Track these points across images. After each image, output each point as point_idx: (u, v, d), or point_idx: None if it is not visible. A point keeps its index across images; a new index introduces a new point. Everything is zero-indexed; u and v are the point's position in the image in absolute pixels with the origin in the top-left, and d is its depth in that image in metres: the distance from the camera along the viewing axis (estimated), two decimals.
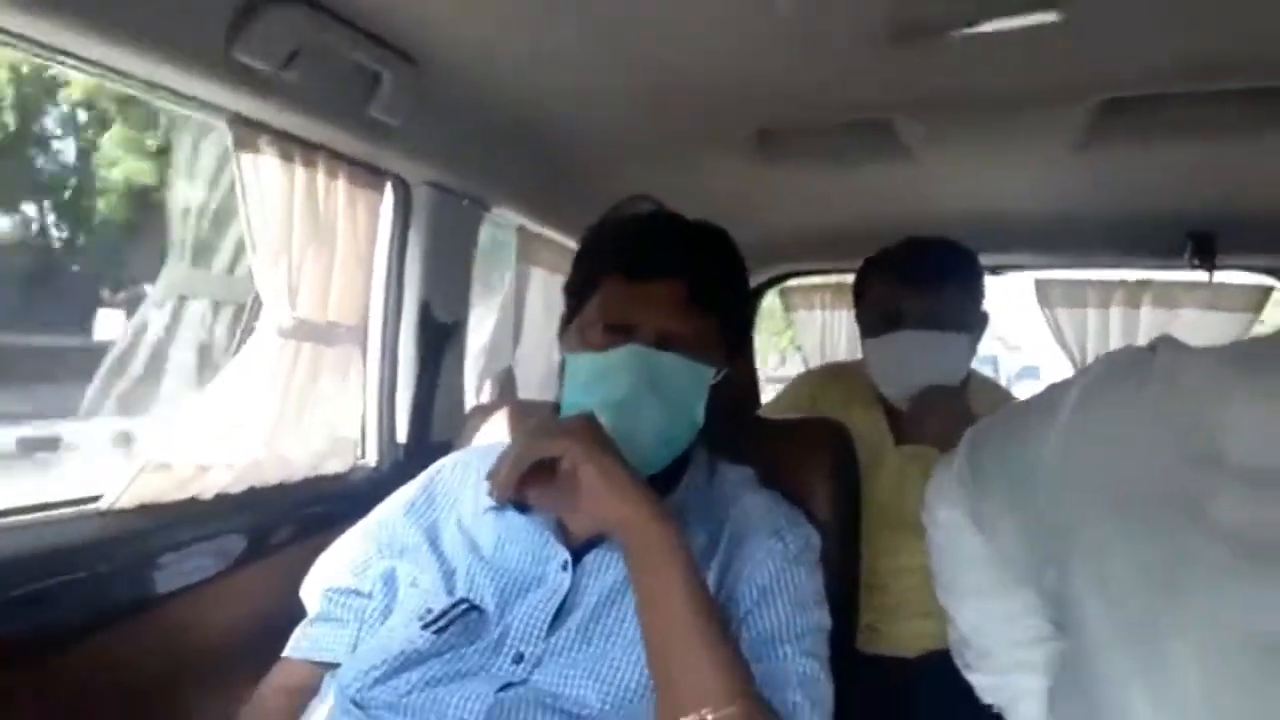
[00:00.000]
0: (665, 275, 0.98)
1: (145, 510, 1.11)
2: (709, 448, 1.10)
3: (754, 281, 2.42)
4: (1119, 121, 1.47)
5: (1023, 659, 0.90)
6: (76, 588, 1.01)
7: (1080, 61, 1.26)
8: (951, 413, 1.40)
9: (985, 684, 0.95)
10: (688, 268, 0.99)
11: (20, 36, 0.88)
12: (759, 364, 2.91)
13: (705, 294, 0.99)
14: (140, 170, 7.03)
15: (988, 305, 1.58)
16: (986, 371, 1.87)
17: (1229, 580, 0.55)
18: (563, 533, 0.96)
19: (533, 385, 1.88)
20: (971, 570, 0.94)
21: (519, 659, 0.88)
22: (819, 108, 1.50)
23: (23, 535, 0.99)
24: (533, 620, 0.91)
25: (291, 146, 1.20)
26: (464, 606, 0.92)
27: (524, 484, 0.85)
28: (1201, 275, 2.17)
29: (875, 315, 1.54)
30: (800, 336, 2.96)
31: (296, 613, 1.05)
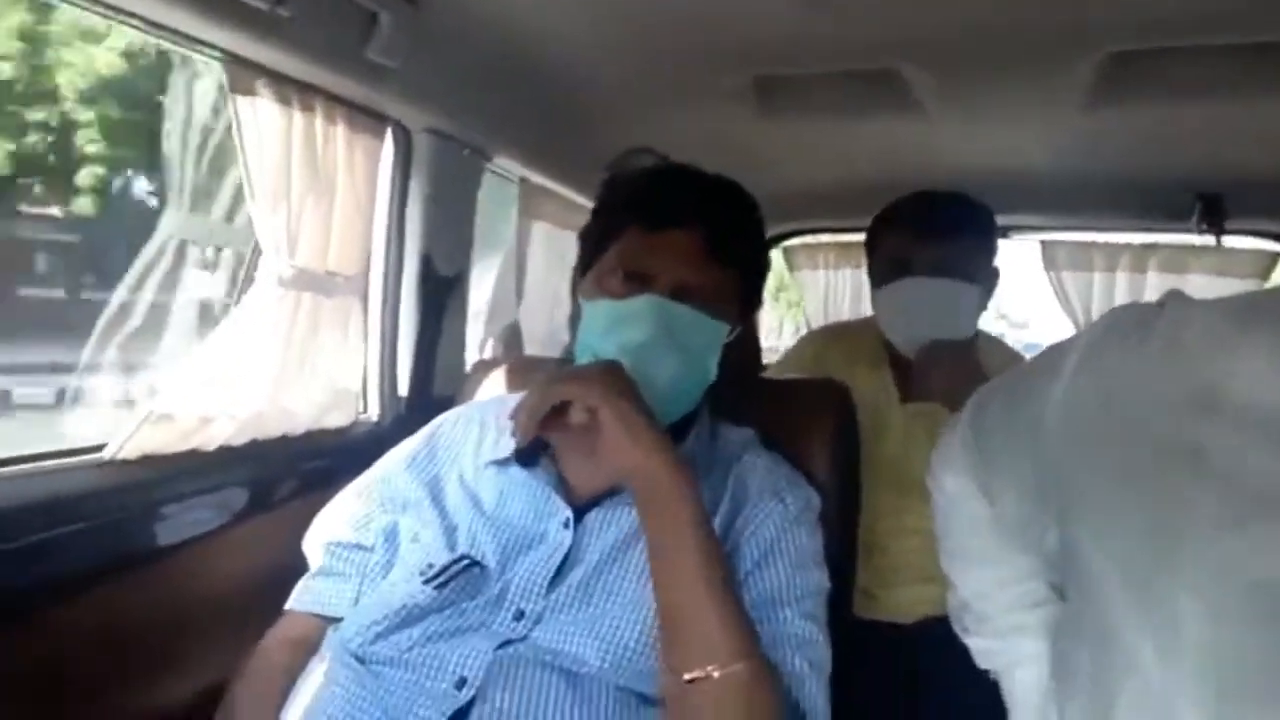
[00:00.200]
0: (684, 224, 0.98)
1: (148, 461, 1.11)
2: (711, 408, 1.09)
3: None
4: (1128, 76, 1.45)
5: (1021, 623, 0.91)
6: (78, 538, 1.01)
7: (1088, 10, 1.24)
8: (960, 367, 1.39)
9: (983, 648, 0.95)
10: (707, 218, 0.98)
11: None
12: (776, 337, 2.91)
13: (723, 245, 0.98)
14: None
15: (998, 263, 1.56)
16: None
17: (1231, 528, 0.55)
18: (565, 489, 0.96)
19: (535, 340, 1.87)
20: (976, 536, 0.94)
21: (519, 615, 0.88)
22: (823, 53, 1.48)
23: (25, 485, 0.99)
24: (533, 577, 0.91)
25: (288, 89, 1.18)
26: (465, 562, 0.92)
27: (545, 426, 0.86)
28: (1209, 239, 2.15)
29: (886, 265, 1.52)
30: (803, 296, 2.94)
31: (299, 566, 1.05)
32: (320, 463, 1.34)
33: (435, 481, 1.03)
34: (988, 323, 1.59)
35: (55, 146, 7.12)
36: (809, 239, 2.84)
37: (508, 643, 0.86)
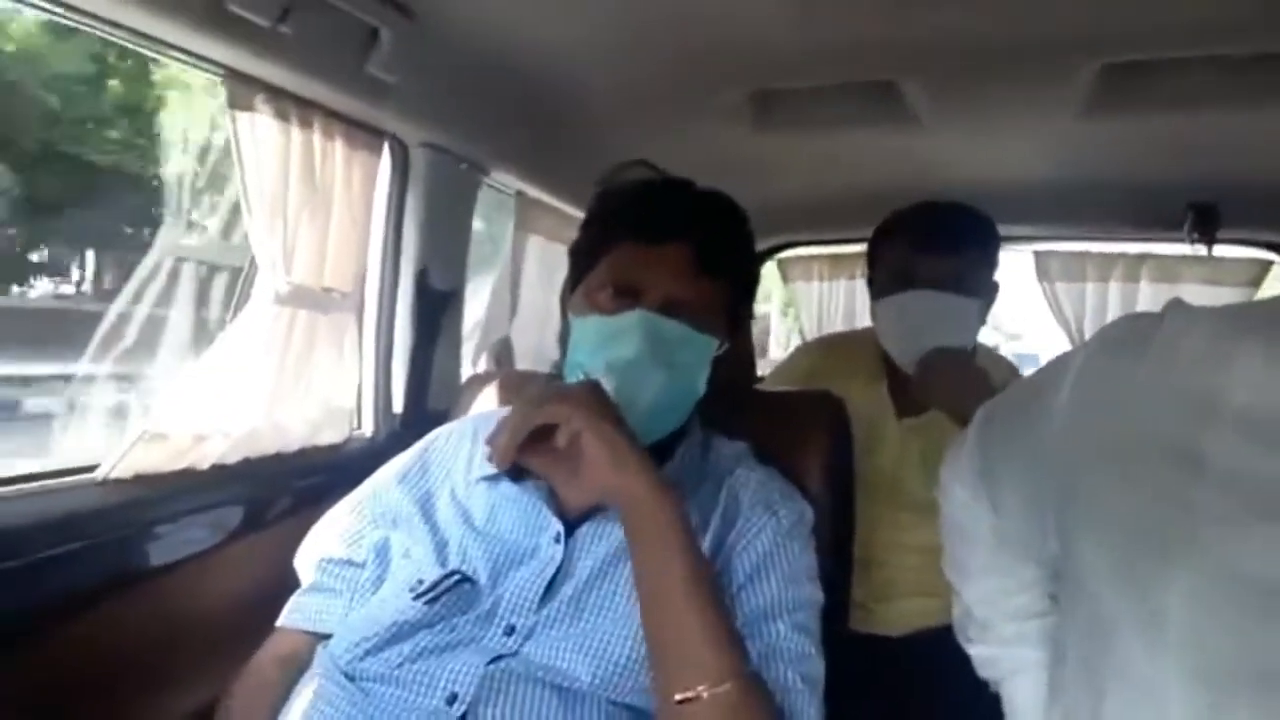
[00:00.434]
0: (675, 239, 0.98)
1: (142, 480, 1.10)
2: (703, 421, 1.09)
3: None
4: (1121, 88, 1.46)
5: (1022, 632, 0.92)
6: (72, 558, 1.01)
7: (1083, 22, 1.25)
8: (961, 374, 1.38)
9: (985, 656, 0.96)
10: (697, 232, 0.99)
11: None
12: (783, 350, 2.90)
13: (713, 259, 0.99)
14: None
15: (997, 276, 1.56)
16: None
17: (1225, 531, 0.55)
18: (556, 504, 0.96)
19: (529, 355, 1.87)
20: (982, 549, 0.95)
21: (510, 631, 0.88)
22: (818, 66, 1.48)
23: (19, 505, 0.99)
24: (524, 592, 0.90)
25: (287, 104, 1.19)
26: (455, 578, 0.92)
27: (525, 450, 0.86)
28: (1201, 249, 2.16)
29: (887, 277, 1.51)
30: (797, 308, 2.95)
31: (291, 583, 1.05)
32: (314, 480, 1.33)
33: (427, 497, 1.03)
34: (981, 334, 1.59)
35: None
36: (803, 251, 2.84)
37: (499, 658, 0.86)
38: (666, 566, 0.82)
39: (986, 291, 1.52)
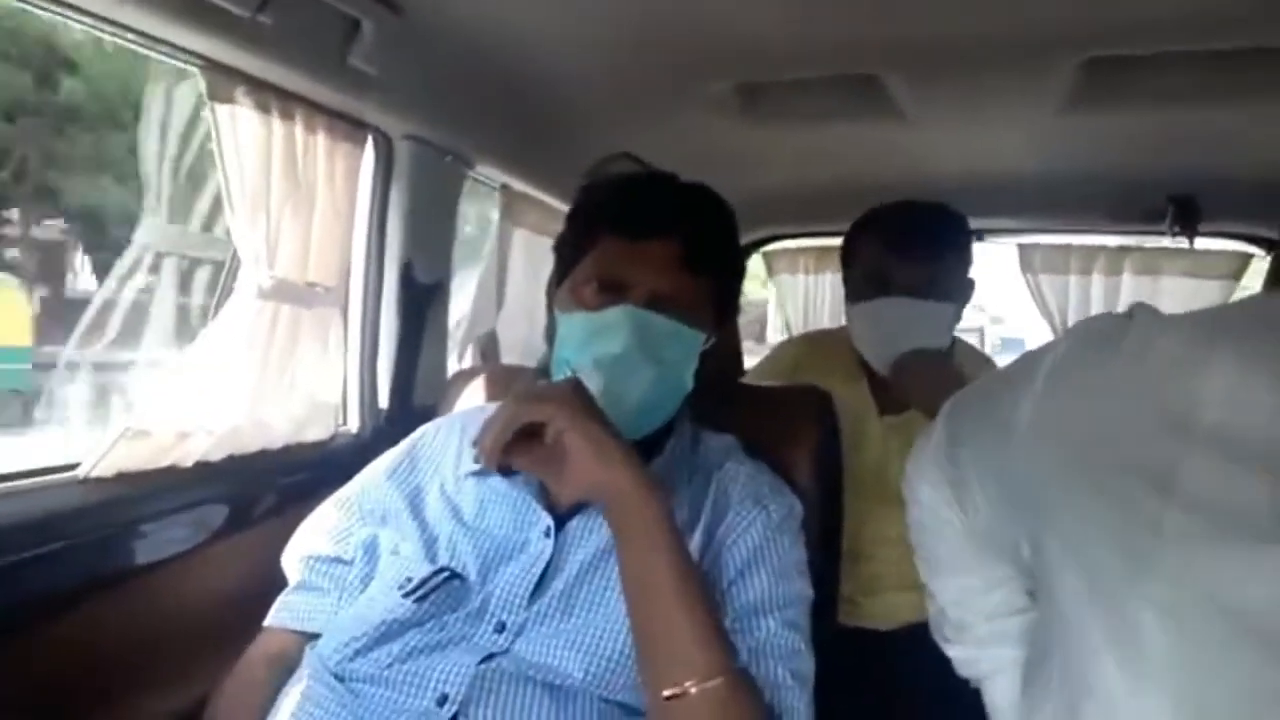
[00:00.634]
0: (661, 234, 0.97)
1: (124, 479, 1.09)
2: (692, 415, 1.09)
3: None
4: (1102, 82, 1.46)
5: (999, 631, 0.91)
6: (53, 558, 0.99)
7: (1065, 17, 1.25)
8: (937, 375, 1.39)
9: (963, 657, 0.96)
10: (684, 228, 0.98)
11: None
12: (782, 335, 2.90)
13: (699, 255, 0.98)
14: None
15: (974, 273, 1.57)
16: (973, 342, 1.86)
17: (1196, 549, 0.55)
18: (546, 498, 0.96)
19: (515, 350, 1.86)
20: (950, 545, 0.94)
21: (501, 628, 0.88)
22: (803, 59, 1.48)
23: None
24: (514, 588, 0.90)
25: (268, 96, 1.17)
26: (444, 575, 0.91)
27: (510, 450, 0.85)
28: (1182, 242, 2.18)
29: (862, 280, 1.52)
30: (782, 301, 2.95)
31: (278, 582, 1.04)
32: (300, 477, 1.32)
33: (416, 493, 1.02)
34: (970, 316, 1.59)
35: None
36: (789, 244, 2.84)
37: (490, 656, 0.85)
38: (652, 562, 0.82)
39: (961, 293, 1.52)
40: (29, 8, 0.96)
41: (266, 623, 1.01)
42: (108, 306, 1.15)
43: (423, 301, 1.55)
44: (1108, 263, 2.48)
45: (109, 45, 1.06)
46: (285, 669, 0.95)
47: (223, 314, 1.19)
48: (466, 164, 1.60)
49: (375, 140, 1.43)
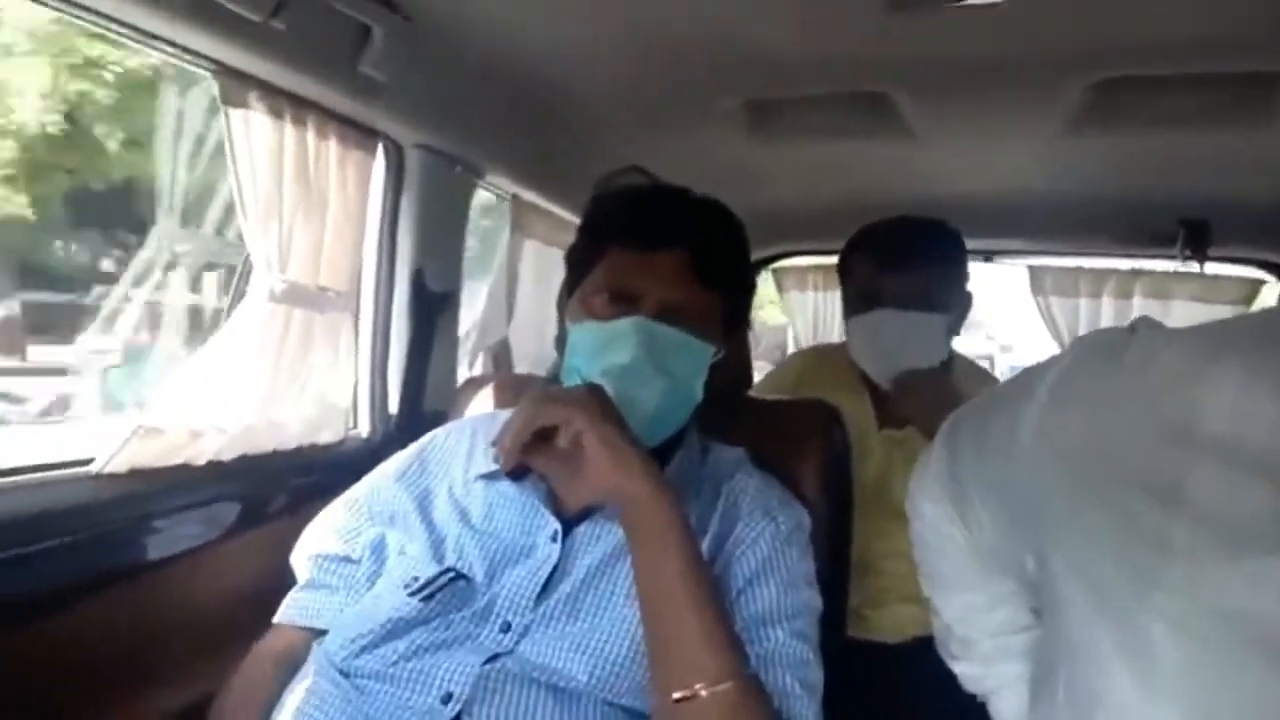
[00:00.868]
0: (670, 245, 0.98)
1: (137, 475, 1.09)
2: (700, 428, 1.09)
3: None
4: (1112, 104, 1.47)
5: (1004, 647, 0.91)
6: (67, 551, 1.00)
7: (1076, 40, 1.26)
8: (936, 394, 1.40)
9: (969, 673, 0.96)
10: (692, 239, 0.99)
11: None
12: None
13: (708, 266, 0.99)
14: None
15: (980, 291, 1.58)
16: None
17: (1205, 561, 0.55)
18: (554, 503, 0.96)
19: (525, 359, 1.86)
20: (954, 562, 0.94)
21: (506, 628, 0.88)
22: (813, 77, 1.49)
23: (13, 497, 0.98)
24: (521, 590, 0.90)
25: (280, 102, 1.18)
26: (450, 575, 0.91)
27: (528, 451, 0.85)
28: (1193, 266, 2.17)
29: (855, 295, 1.55)
30: (792, 318, 2.95)
31: (287, 580, 1.05)
32: (310, 478, 1.32)
33: (424, 495, 1.02)
34: (980, 344, 1.60)
35: None
36: (798, 261, 2.85)
37: (495, 657, 0.85)
38: (666, 566, 0.82)
39: (956, 305, 1.54)
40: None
41: (275, 619, 1.01)
42: None
43: (433, 308, 1.55)
44: (1118, 286, 2.48)
45: None
46: (293, 665, 0.95)
47: (235, 316, 1.20)
48: (476, 174, 1.61)
49: (386, 148, 1.44)
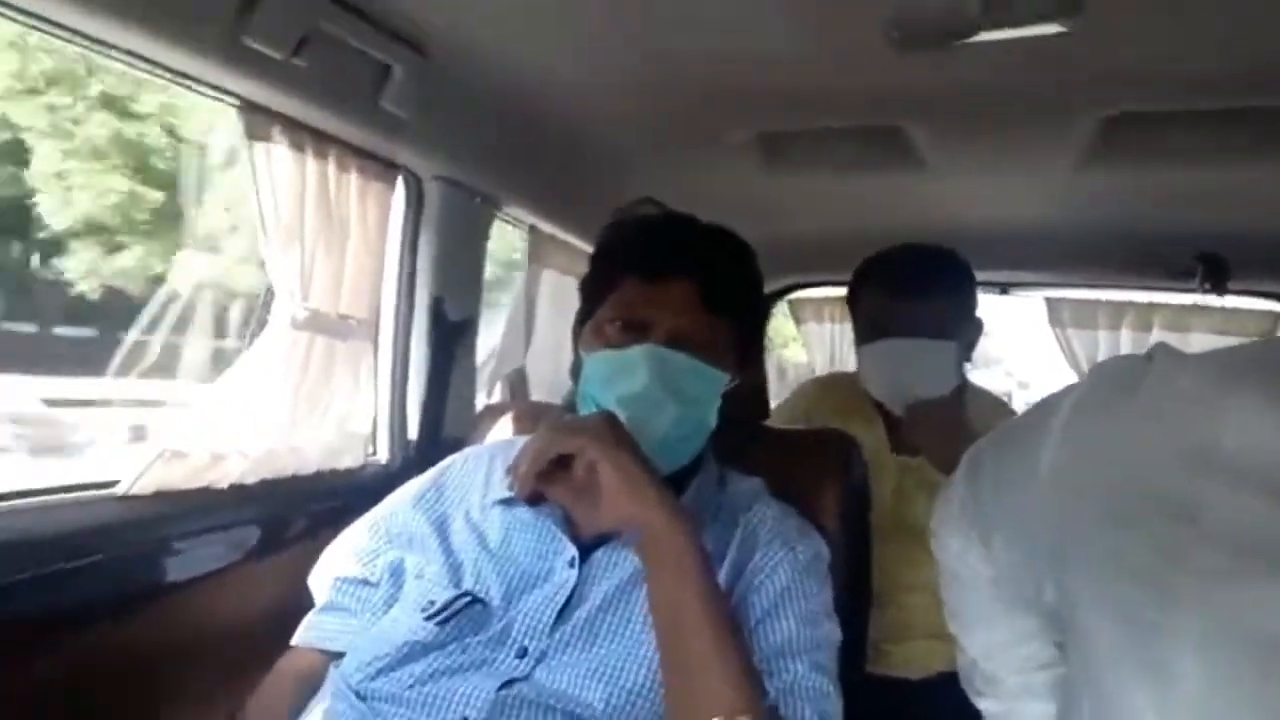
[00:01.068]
0: (679, 275, 0.98)
1: (161, 497, 1.11)
2: (717, 457, 1.09)
3: None
4: (1125, 138, 1.47)
5: (1029, 685, 0.90)
6: (92, 571, 1.01)
7: (1088, 74, 1.27)
8: (946, 424, 1.41)
9: (995, 710, 0.95)
10: (702, 269, 0.99)
11: (29, 14, 0.89)
12: None
13: (718, 296, 0.99)
14: None
15: (998, 328, 1.58)
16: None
17: (1226, 585, 0.55)
18: (571, 528, 0.96)
19: (543, 387, 1.87)
20: (978, 597, 0.93)
21: (522, 653, 0.88)
22: (826, 110, 1.50)
23: (41, 517, 1.00)
24: (538, 615, 0.90)
25: (303, 136, 1.21)
26: (467, 599, 0.92)
27: (543, 479, 0.86)
28: (1213, 299, 2.16)
29: (864, 324, 1.56)
30: (810, 349, 2.95)
31: (306, 604, 1.05)
32: (330, 503, 1.33)
33: (442, 519, 1.03)
34: (999, 381, 1.60)
35: None
36: (814, 293, 2.86)
37: (511, 682, 0.85)
38: (683, 595, 0.82)
39: (966, 331, 1.54)
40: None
41: (293, 641, 1.02)
42: None
43: (452, 337, 1.57)
44: (1137, 318, 2.46)
45: None
46: (311, 687, 0.96)
47: (258, 343, 1.22)
48: (495, 205, 1.63)
49: (406, 180, 1.47)
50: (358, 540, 1.05)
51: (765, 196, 1.99)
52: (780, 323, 2.96)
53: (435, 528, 1.01)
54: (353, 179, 1.31)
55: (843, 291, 2.78)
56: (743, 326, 1.05)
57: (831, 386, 1.84)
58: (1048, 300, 2.55)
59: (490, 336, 1.76)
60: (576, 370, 1.05)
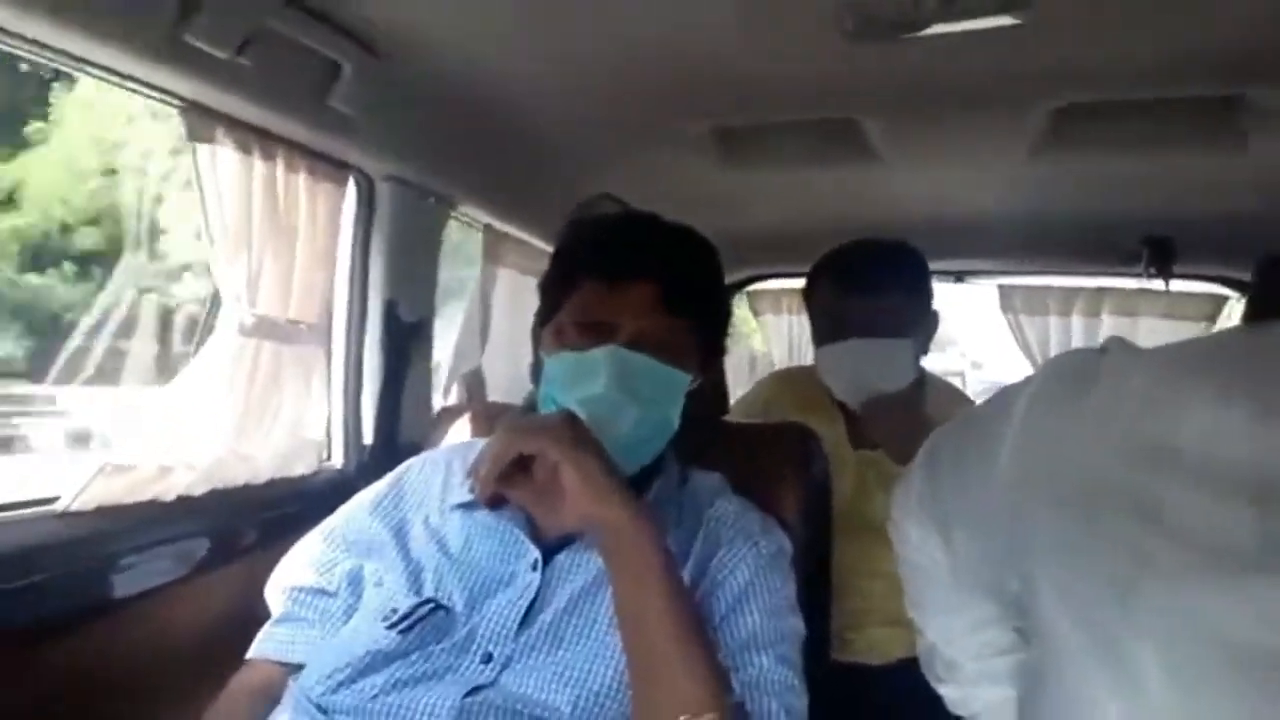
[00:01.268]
0: (641, 277, 0.97)
1: (104, 512, 1.08)
2: (678, 454, 1.08)
3: None
4: (1075, 127, 1.50)
5: (989, 670, 0.91)
6: (32, 591, 0.98)
7: (1038, 67, 1.29)
8: (905, 419, 1.43)
9: (954, 696, 0.95)
10: (663, 270, 0.98)
11: None
12: None
13: (680, 298, 0.98)
14: None
15: (952, 310, 1.60)
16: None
17: (1186, 582, 0.55)
18: (533, 530, 0.95)
19: (500, 387, 1.85)
20: (938, 584, 0.94)
21: (487, 659, 0.87)
22: (781, 103, 1.51)
23: None
24: (501, 620, 0.89)
25: (249, 137, 1.18)
26: (430, 606, 0.90)
27: (504, 481, 0.85)
28: (1159, 284, 2.21)
29: (821, 322, 1.57)
30: (768, 342, 2.96)
31: (261, 615, 1.03)
32: (284, 510, 1.31)
33: (401, 525, 1.01)
34: (953, 361, 1.63)
35: None
36: (772, 284, 2.87)
37: (477, 689, 0.84)
38: (647, 595, 0.81)
39: (923, 325, 1.56)
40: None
41: (249, 654, 0.99)
42: None
43: (406, 339, 1.54)
44: (1086, 304, 2.52)
45: None
46: (268, 701, 0.93)
47: (204, 350, 1.19)
48: (449, 205, 1.61)
49: (357, 181, 1.44)
50: (314, 549, 1.03)
51: (722, 190, 1.99)
52: (747, 313, 2.96)
53: (394, 534, 0.99)
54: (301, 180, 1.28)
55: (799, 283, 2.82)
56: (705, 327, 1.04)
57: (791, 381, 1.84)
58: (1000, 288, 2.59)
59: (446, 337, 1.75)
60: (537, 372, 1.04)
